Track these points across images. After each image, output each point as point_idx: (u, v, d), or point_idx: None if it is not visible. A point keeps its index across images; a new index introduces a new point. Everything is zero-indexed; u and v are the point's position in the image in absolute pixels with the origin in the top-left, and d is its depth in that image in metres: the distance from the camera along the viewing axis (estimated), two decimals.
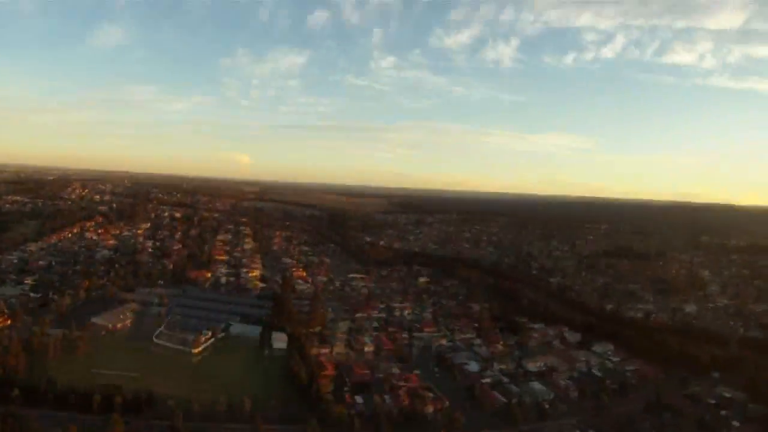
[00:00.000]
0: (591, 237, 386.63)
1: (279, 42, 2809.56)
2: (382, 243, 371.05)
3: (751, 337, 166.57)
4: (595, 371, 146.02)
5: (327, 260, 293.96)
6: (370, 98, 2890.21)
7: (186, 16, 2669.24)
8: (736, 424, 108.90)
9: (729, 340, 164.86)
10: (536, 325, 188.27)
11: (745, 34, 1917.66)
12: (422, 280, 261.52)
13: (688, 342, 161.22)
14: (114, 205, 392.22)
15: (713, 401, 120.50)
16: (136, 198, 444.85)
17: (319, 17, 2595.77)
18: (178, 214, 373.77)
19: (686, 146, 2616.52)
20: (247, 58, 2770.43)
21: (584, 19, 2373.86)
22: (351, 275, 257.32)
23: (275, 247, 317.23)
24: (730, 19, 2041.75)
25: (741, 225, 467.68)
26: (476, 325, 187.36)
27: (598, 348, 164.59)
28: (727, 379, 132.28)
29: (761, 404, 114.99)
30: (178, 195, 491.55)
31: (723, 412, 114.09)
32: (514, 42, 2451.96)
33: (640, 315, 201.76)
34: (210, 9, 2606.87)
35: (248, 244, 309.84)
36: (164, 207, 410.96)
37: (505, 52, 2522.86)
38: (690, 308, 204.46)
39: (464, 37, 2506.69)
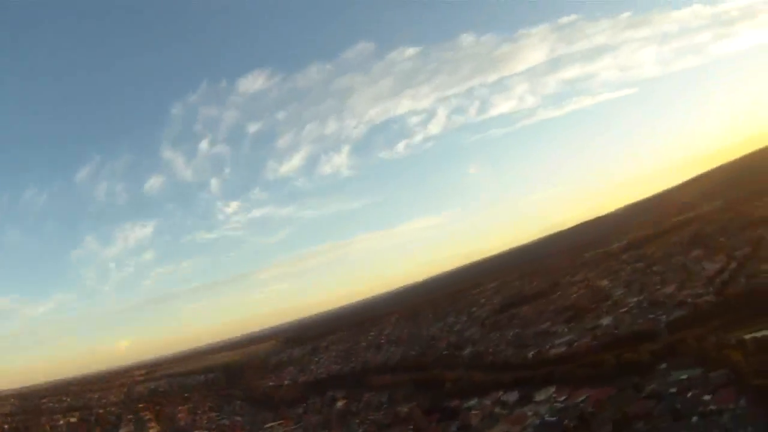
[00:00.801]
0: (483, 299, 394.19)
1: (122, 219, 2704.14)
2: (287, 382, 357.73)
3: (675, 318, 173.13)
4: (548, 417, 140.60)
5: (238, 418, 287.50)
6: (228, 247, 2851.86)
7: (26, 215, 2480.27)
8: (707, 398, 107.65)
9: (657, 330, 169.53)
10: (470, 402, 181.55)
11: (552, 64, 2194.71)
12: (340, 403, 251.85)
13: (621, 351, 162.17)
14: (6, 426, 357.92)
15: (674, 390, 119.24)
16: (27, 414, 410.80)
17: (154, 183, 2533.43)
18: (73, 419, 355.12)
19: (536, 183, 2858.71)
20: (95, 244, 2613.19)
21: (403, 106, 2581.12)
22: (268, 425, 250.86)
23: (182, 423, 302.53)
24: (535, 56, 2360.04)
25: (615, 228, 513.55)
26: (412, 426, 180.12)
27: (540, 396, 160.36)
28: (676, 365, 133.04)
29: (719, 369, 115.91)
30: (68, 399, 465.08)
31: (689, 394, 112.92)
32: (345, 150, 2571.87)
33: (563, 349, 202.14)
34: (47, 203, 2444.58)
35: (153, 429, 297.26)
36: (58, 415, 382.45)
37: (339, 162, 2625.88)
38: (606, 320, 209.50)
39: (296, 161, 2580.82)
